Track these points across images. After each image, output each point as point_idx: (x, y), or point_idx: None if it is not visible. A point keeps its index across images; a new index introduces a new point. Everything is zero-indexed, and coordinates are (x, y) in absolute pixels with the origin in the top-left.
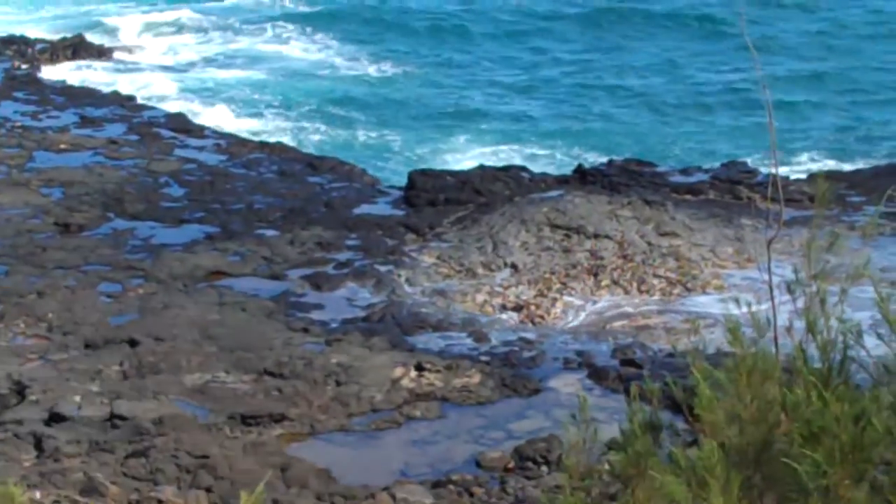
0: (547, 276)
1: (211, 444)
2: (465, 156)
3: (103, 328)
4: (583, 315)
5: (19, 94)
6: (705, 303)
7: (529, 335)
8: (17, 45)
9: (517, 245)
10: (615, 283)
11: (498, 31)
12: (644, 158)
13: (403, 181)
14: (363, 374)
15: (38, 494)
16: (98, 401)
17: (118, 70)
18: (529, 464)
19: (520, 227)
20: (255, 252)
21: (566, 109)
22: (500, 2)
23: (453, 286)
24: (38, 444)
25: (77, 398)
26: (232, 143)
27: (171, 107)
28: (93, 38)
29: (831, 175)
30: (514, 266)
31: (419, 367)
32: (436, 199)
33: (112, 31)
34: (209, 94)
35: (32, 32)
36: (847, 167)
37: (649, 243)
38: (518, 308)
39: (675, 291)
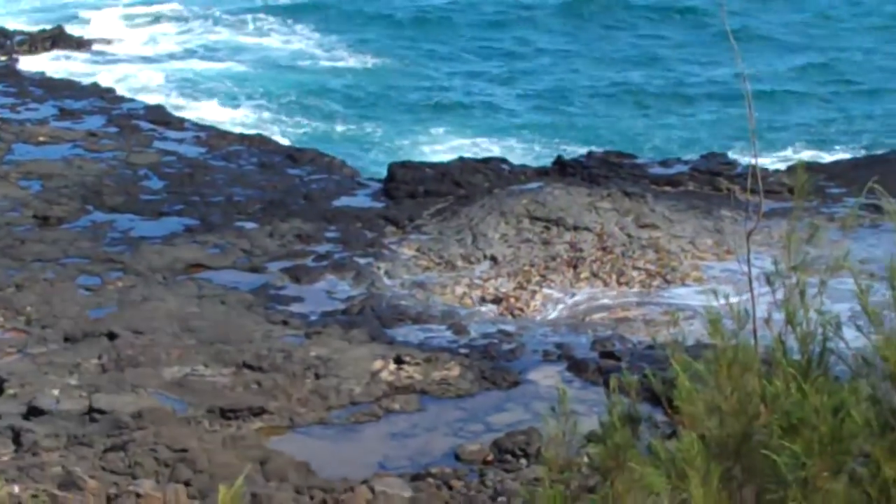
0: (526, 268)
1: (190, 438)
2: (444, 147)
3: (82, 321)
4: (562, 307)
5: None
6: (684, 294)
7: (509, 327)
8: None
9: (497, 237)
10: (595, 275)
11: (479, 22)
12: (624, 150)
13: (383, 173)
14: (342, 367)
15: (16, 489)
16: (77, 394)
17: (97, 62)
18: (508, 456)
19: (499, 219)
20: (235, 244)
21: (546, 101)
22: None
23: (433, 278)
24: (17, 437)
25: (56, 392)
26: (211, 136)
27: (151, 99)
28: (72, 29)
29: (811, 166)
30: (493, 258)
31: (398, 360)
32: (415, 191)
33: (91, 23)
34: (189, 85)
35: (11, 24)
36: (827, 158)
37: (629, 235)
38: (497, 300)
39: (655, 283)
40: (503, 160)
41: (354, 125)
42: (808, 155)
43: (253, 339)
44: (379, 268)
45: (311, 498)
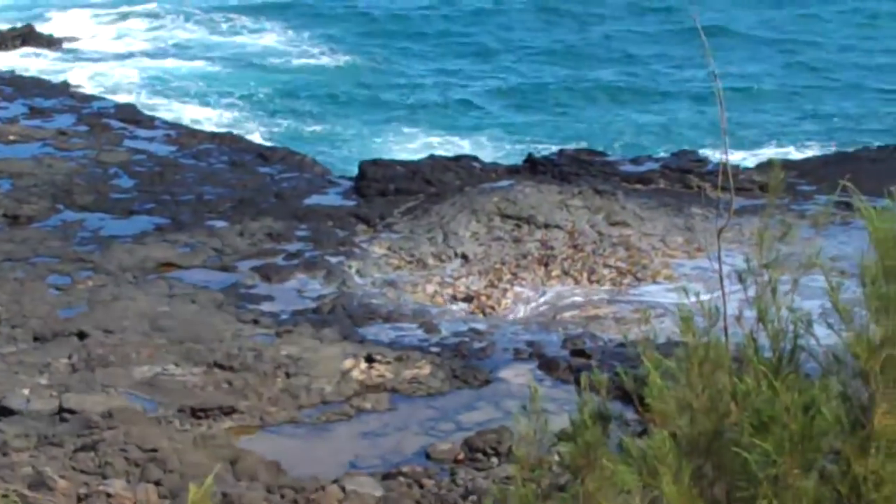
0: (497, 266)
1: (160, 438)
2: (415, 145)
3: (52, 321)
4: (533, 305)
5: None
6: (655, 292)
7: (480, 326)
8: None
9: (468, 235)
10: (566, 273)
11: (451, 20)
12: (595, 148)
13: (354, 171)
14: (313, 366)
15: None
16: (47, 394)
17: (68, 60)
18: (479, 455)
19: (470, 218)
20: (205, 243)
21: (517, 99)
22: None
23: (404, 277)
24: None
25: (25, 391)
26: (182, 134)
27: (121, 97)
28: (42, 27)
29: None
30: (464, 256)
31: (369, 359)
32: (386, 190)
33: (61, 21)
34: (160, 84)
35: None
36: (797, 155)
37: (599, 233)
38: (468, 299)
39: (626, 281)
40: (474, 158)
41: (326, 123)
42: (778, 152)
43: (223, 339)
44: (350, 266)
45: (282, 497)
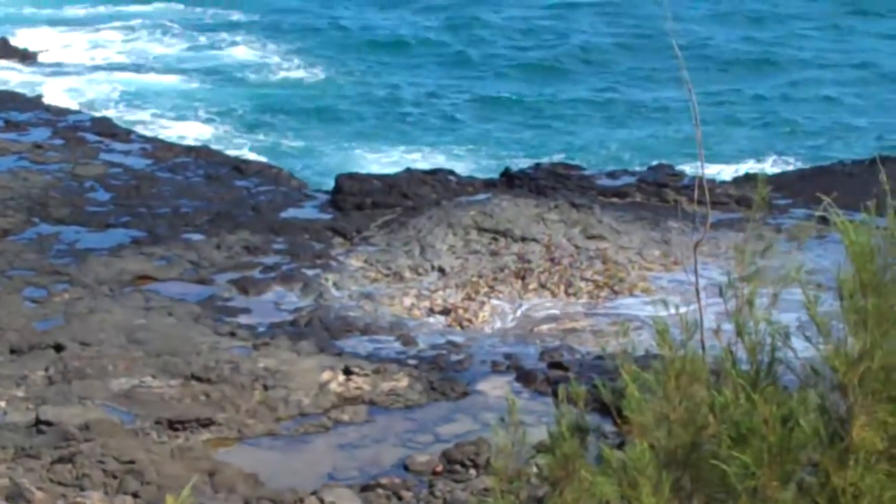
0: (474, 279)
1: (137, 450)
2: (391, 159)
3: (28, 333)
4: (510, 318)
5: None
6: (632, 305)
7: (457, 338)
8: None
9: (444, 248)
10: (543, 286)
11: (427, 35)
12: (572, 162)
13: (331, 185)
14: (291, 379)
15: None
16: (23, 406)
17: (44, 73)
18: (458, 467)
19: (447, 231)
20: (182, 256)
21: (494, 113)
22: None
23: (381, 290)
24: None
25: (2, 404)
26: (158, 147)
27: (97, 111)
28: (16, 41)
29: (755, 177)
30: (441, 269)
31: (347, 371)
32: (363, 203)
33: (34, 35)
34: (136, 97)
35: None
36: (773, 170)
37: (576, 246)
38: (446, 311)
39: (603, 294)
40: (450, 172)
41: (303, 137)
42: (753, 167)
43: (200, 351)
44: (327, 279)
45: None
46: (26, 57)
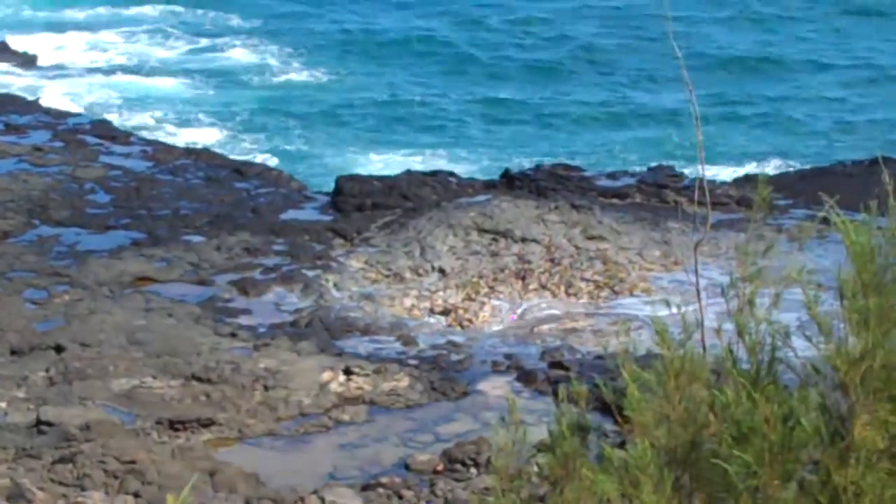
0: (475, 280)
1: (138, 450)
2: (392, 160)
3: (29, 334)
4: (511, 318)
5: None
6: (632, 305)
7: (457, 338)
8: None
9: (445, 249)
10: (543, 286)
11: (429, 35)
12: (572, 163)
13: (331, 186)
14: (291, 379)
15: None
16: (24, 407)
17: (43, 76)
18: (458, 466)
19: (447, 232)
20: (182, 258)
21: (494, 114)
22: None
23: (381, 290)
24: None
25: (3, 405)
26: (158, 150)
27: (98, 114)
28: (16, 44)
29: (755, 178)
30: (441, 270)
31: (347, 371)
32: (363, 204)
33: (37, 38)
34: (136, 100)
35: None
36: (773, 170)
37: (577, 247)
38: (446, 312)
39: (603, 294)
40: (451, 173)
41: (304, 138)
42: (754, 167)
43: (201, 352)
44: (327, 280)
45: None
46: (26, 60)
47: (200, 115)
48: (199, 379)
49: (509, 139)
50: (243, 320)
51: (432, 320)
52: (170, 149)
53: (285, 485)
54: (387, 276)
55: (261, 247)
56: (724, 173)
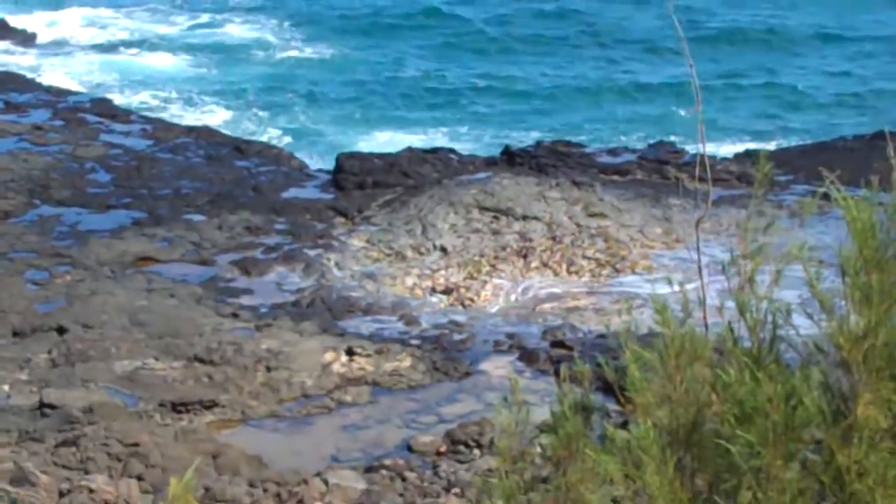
0: (476, 258)
1: (141, 432)
2: (392, 138)
3: (31, 316)
4: (513, 297)
5: None
6: (634, 283)
7: (459, 318)
8: None
9: (446, 227)
10: (544, 264)
11: (430, 12)
12: (572, 139)
13: (331, 164)
14: (293, 360)
15: None
16: (27, 389)
17: (43, 54)
18: (461, 447)
19: (448, 210)
20: (184, 237)
21: (494, 91)
22: None
23: (383, 269)
24: None
25: (5, 387)
26: (158, 128)
27: (97, 91)
28: (15, 22)
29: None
30: (443, 249)
31: (350, 352)
32: (364, 183)
33: (36, 16)
34: (137, 77)
35: None
36: (774, 146)
37: (578, 224)
38: (448, 291)
39: (604, 272)
40: (451, 150)
41: (302, 116)
42: (754, 142)
43: (203, 333)
44: (329, 259)
45: (265, 491)
46: (25, 37)
47: (203, 95)
48: (201, 360)
49: (510, 115)
50: (245, 300)
51: (434, 299)
52: (170, 127)
53: (288, 467)
54: (388, 255)
55: (262, 226)
56: (725, 149)
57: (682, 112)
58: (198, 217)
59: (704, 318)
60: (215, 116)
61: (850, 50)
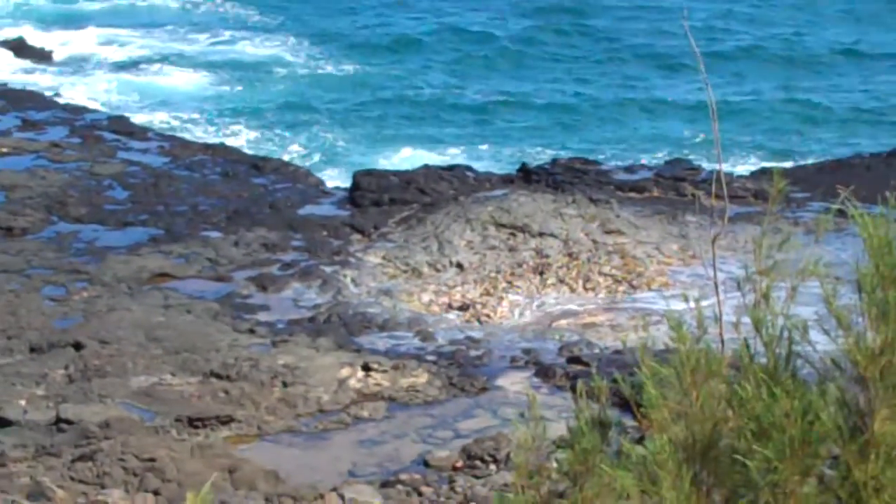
0: (492, 274)
1: (158, 447)
2: (409, 155)
3: (48, 332)
4: (529, 313)
5: None
6: (651, 300)
7: (476, 334)
8: None
9: (462, 244)
10: (561, 281)
11: (447, 31)
12: (589, 157)
13: (348, 182)
14: (310, 375)
15: None
16: (44, 405)
17: (61, 72)
18: (478, 462)
19: (465, 227)
20: (200, 254)
21: (511, 108)
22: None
23: (399, 286)
24: None
25: (23, 402)
26: (175, 145)
27: (115, 109)
28: (32, 40)
29: (772, 171)
30: (459, 265)
31: (366, 368)
32: (380, 200)
33: (53, 34)
34: (157, 97)
35: None
36: (790, 163)
37: (594, 241)
38: (464, 307)
39: (621, 289)
40: (468, 168)
41: (319, 134)
42: (771, 161)
43: (219, 348)
44: (345, 276)
45: None
46: (43, 55)
47: (224, 115)
48: (217, 376)
49: (528, 132)
50: (262, 316)
51: (450, 315)
52: (187, 144)
53: (305, 482)
54: (404, 272)
55: (279, 242)
56: (743, 167)
57: (702, 135)
58: (214, 234)
59: (720, 334)
60: (238, 138)
61: (868, 67)
